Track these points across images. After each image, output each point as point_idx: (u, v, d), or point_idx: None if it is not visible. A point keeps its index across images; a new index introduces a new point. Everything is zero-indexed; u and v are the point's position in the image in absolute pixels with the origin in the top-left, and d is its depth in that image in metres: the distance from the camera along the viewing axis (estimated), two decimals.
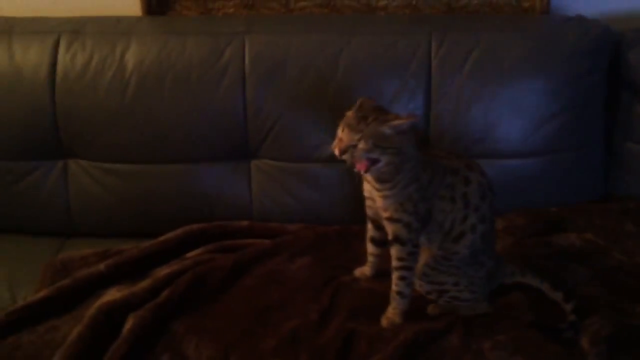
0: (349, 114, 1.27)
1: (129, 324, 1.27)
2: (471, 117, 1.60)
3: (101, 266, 1.45)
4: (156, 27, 1.67)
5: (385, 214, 1.30)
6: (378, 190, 1.29)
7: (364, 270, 1.46)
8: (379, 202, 1.30)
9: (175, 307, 1.34)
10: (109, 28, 1.65)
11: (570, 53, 1.59)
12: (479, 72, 1.59)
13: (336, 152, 1.24)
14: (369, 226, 1.42)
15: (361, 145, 1.21)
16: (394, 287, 1.32)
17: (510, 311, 1.33)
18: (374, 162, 1.23)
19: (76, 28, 1.65)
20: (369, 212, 1.39)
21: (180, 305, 1.34)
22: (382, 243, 1.39)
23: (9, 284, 1.54)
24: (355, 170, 1.25)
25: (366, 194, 1.35)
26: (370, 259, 1.45)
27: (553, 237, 1.56)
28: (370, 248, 1.44)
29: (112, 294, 1.37)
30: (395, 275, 1.31)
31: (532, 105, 1.59)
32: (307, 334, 1.28)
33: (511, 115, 1.60)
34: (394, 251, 1.31)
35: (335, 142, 1.25)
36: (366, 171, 1.24)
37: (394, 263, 1.31)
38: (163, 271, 1.44)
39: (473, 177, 1.30)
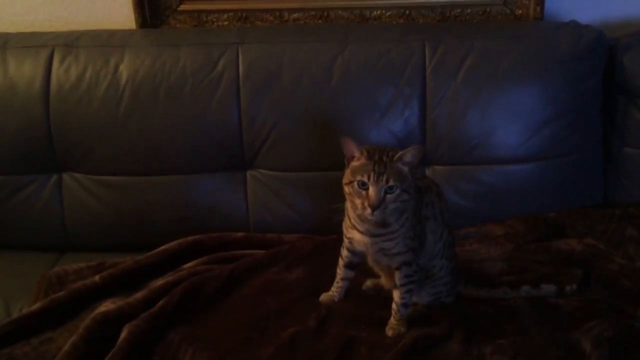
0: (355, 164, 1.21)
1: (124, 334, 1.25)
2: (467, 124, 1.59)
3: (96, 278, 1.43)
4: (150, 39, 1.67)
5: (391, 251, 1.27)
6: (376, 235, 1.24)
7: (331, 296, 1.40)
8: (380, 245, 1.26)
9: (171, 316, 1.32)
10: (102, 41, 1.65)
11: (565, 58, 1.59)
12: (473, 79, 1.58)
13: (368, 212, 1.17)
14: (346, 253, 1.35)
15: (392, 186, 1.16)
16: (399, 300, 1.29)
17: (511, 315, 1.31)
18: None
19: (69, 41, 1.64)
20: (350, 246, 1.33)
21: (175, 314, 1.33)
22: (357, 265, 1.37)
23: (3, 299, 1.51)
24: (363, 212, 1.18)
25: (349, 235, 1.30)
26: (340, 284, 1.39)
27: (553, 243, 1.55)
28: (344, 273, 1.37)
29: (107, 306, 1.35)
30: (401, 290, 1.29)
31: (528, 111, 1.59)
32: (305, 341, 1.26)
33: (507, 121, 1.59)
34: (401, 273, 1.28)
35: (359, 201, 1.18)
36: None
37: (401, 281, 1.29)
38: (158, 282, 1.43)
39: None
